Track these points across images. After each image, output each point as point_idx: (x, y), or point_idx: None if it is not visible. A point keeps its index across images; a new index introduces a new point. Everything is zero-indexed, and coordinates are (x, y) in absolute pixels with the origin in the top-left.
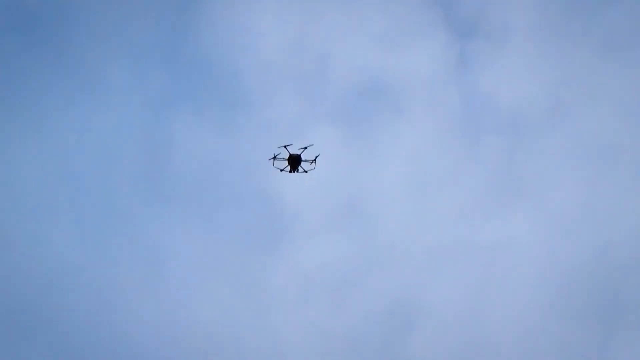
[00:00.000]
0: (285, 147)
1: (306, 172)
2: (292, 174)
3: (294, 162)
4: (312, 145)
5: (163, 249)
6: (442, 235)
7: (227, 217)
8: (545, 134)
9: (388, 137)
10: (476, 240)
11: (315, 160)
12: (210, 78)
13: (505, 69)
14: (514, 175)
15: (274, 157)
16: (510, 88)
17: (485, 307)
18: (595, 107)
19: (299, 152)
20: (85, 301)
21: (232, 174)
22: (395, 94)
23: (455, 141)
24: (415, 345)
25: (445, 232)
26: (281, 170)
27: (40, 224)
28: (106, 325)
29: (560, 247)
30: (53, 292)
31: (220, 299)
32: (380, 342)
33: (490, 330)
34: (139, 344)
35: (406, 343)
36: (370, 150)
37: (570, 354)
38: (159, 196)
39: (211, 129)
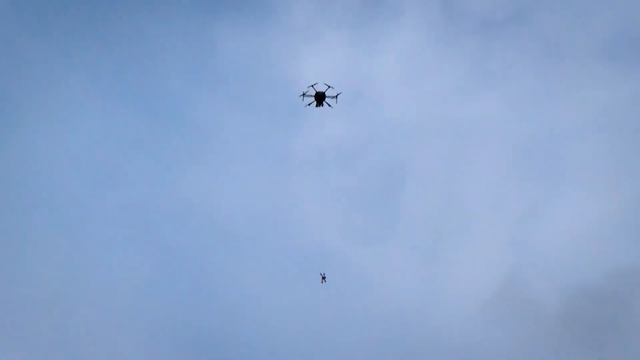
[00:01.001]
0: (312, 86)
1: (330, 106)
2: (318, 108)
3: (320, 98)
4: (334, 89)
5: (210, 126)
6: (429, 114)
7: (260, 101)
8: (512, 34)
9: (386, 37)
10: (456, 117)
11: (337, 96)
12: None
13: None
14: (486, 66)
15: (303, 94)
16: None
17: (462, 168)
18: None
19: (322, 90)
20: (144, 166)
21: (264, 67)
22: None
23: (439, 39)
24: (406, 197)
25: (432, 111)
26: (309, 105)
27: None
28: (164, 184)
29: (522, 121)
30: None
31: (255, 164)
32: (378, 195)
33: (466, 184)
34: (188, 203)
35: (399, 196)
36: (373, 47)
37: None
38: (206, 85)
39: (247, 31)
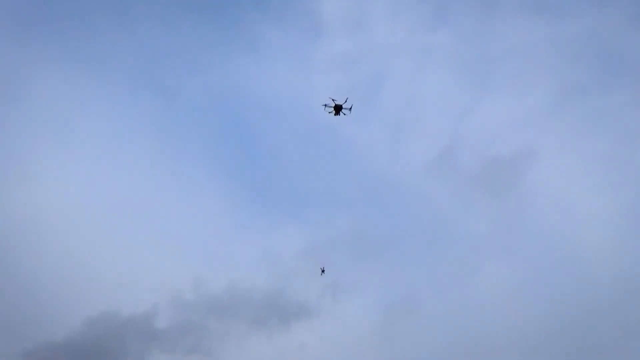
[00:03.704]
0: (332, 99)
1: (345, 114)
2: (337, 116)
3: (338, 109)
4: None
5: (260, 37)
6: (403, 40)
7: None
8: None
9: None
10: (421, 43)
11: (350, 108)
12: None
13: None
14: (442, 11)
15: (325, 105)
16: None
17: (422, 78)
18: None
19: (340, 103)
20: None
21: None
22: None
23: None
24: (383, 94)
25: (405, 39)
26: (329, 113)
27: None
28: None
29: (465, 47)
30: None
31: (290, 65)
32: (365, 91)
33: (424, 87)
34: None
35: (379, 93)
36: None
37: (462, 104)
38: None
39: None
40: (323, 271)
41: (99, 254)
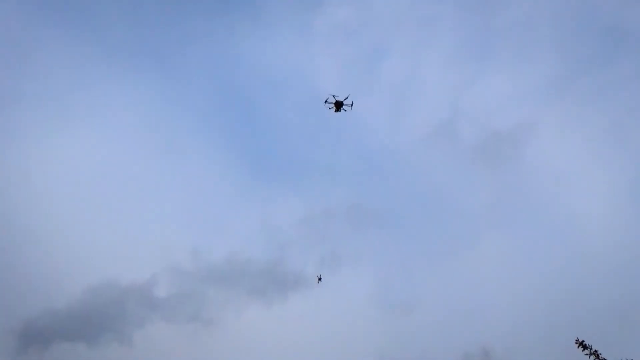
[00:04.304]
0: (333, 96)
1: (345, 110)
2: (337, 112)
3: (338, 105)
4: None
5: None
6: (403, 12)
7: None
8: None
9: None
10: (422, 15)
11: (351, 105)
12: None
13: None
14: None
15: (326, 101)
16: None
17: (422, 52)
18: None
19: (341, 100)
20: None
21: None
22: None
23: None
24: (384, 70)
25: (405, 12)
26: (329, 109)
27: None
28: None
29: (465, 21)
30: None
31: (289, 34)
32: (366, 67)
33: (424, 62)
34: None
35: (379, 68)
36: None
37: (462, 78)
38: None
39: None
40: (320, 279)
41: (99, 223)
